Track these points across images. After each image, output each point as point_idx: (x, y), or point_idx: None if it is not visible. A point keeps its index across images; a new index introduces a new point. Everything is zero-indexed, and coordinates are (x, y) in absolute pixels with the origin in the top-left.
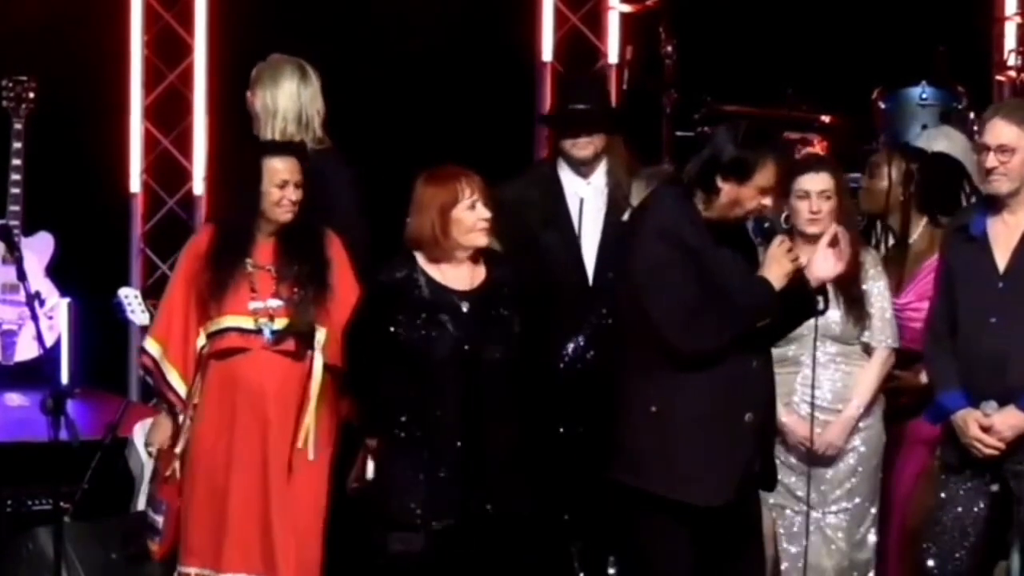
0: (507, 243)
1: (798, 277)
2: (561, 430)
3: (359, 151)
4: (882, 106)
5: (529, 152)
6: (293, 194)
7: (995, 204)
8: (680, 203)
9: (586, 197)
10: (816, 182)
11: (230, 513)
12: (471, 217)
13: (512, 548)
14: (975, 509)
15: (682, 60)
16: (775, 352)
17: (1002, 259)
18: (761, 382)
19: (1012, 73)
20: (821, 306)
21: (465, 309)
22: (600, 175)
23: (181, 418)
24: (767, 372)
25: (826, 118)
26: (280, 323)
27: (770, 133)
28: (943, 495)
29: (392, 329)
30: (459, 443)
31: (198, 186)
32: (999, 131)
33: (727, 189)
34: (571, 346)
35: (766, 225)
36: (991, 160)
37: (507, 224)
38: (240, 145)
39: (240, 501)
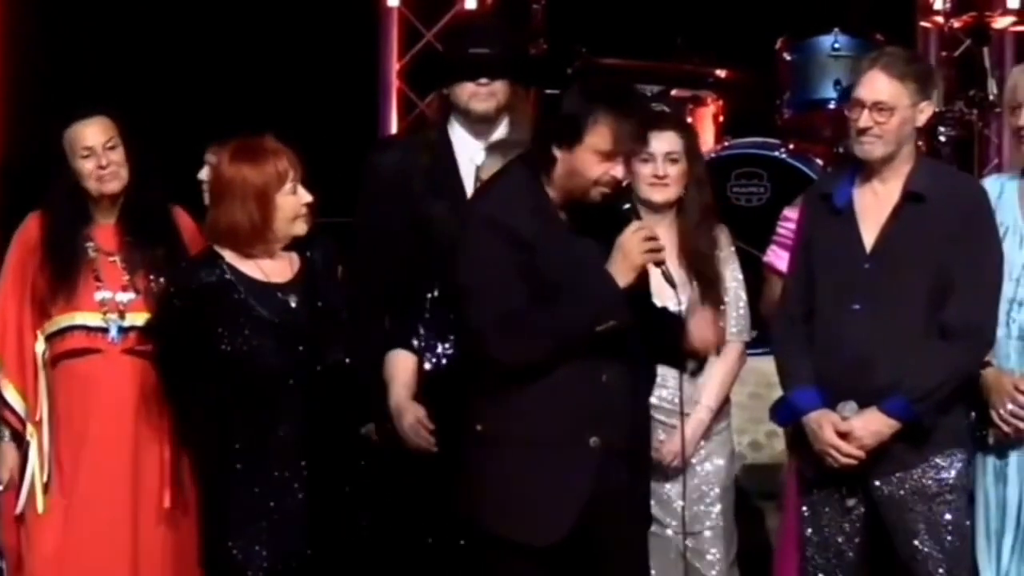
0: (386, 218)
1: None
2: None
3: (190, 116)
4: (787, 58)
5: (374, 108)
6: (103, 158)
7: (864, 170)
8: (524, 184)
9: (483, 163)
10: (661, 142)
11: (96, 550)
12: (294, 203)
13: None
14: (844, 526)
15: (552, 6)
16: None
17: (869, 235)
18: (613, 399)
19: (939, 19)
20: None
21: (294, 304)
22: (500, 135)
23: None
24: (623, 387)
25: (721, 72)
26: (133, 318)
27: (621, 89)
28: (806, 511)
29: (213, 343)
30: (304, 464)
31: None
32: (877, 86)
33: (562, 157)
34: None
35: (625, 207)
36: (865, 119)
37: (387, 196)
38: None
39: (106, 533)
